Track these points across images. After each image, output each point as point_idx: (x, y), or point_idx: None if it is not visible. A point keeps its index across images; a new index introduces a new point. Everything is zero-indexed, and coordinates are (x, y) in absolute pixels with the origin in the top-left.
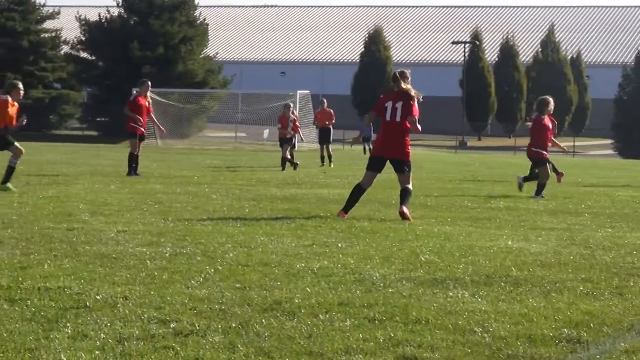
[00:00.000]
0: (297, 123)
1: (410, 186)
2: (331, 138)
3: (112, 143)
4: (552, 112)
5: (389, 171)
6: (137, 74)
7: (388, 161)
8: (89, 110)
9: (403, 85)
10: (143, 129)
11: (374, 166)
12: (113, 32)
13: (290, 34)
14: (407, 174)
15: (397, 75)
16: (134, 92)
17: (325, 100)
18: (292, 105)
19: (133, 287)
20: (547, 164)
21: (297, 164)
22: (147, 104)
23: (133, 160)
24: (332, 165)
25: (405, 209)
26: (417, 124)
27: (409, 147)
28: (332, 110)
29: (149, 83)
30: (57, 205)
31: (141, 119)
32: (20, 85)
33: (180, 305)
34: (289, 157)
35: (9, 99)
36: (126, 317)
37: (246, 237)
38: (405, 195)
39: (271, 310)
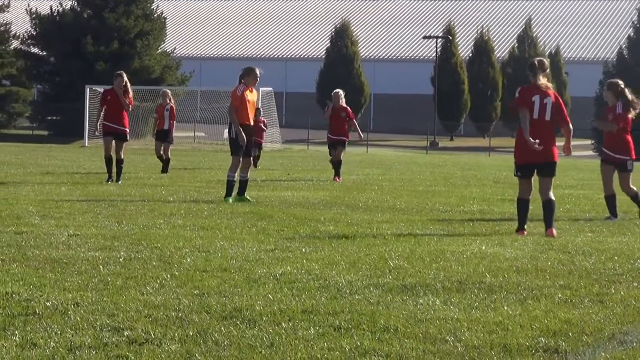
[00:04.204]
0: (175, 113)
1: (552, 195)
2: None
3: (63, 143)
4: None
5: (359, 172)
6: (90, 70)
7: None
8: (40, 108)
9: (541, 79)
10: (114, 126)
11: (526, 174)
12: (65, 26)
13: (252, 29)
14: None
15: (536, 65)
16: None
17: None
18: (170, 92)
19: (85, 294)
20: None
21: (167, 166)
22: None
23: (107, 164)
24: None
25: (554, 231)
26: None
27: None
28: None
29: (123, 76)
30: (5, 208)
31: (111, 115)
32: None
33: (134, 312)
34: (164, 155)
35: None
36: (77, 324)
37: (204, 242)
38: (551, 210)
39: (231, 318)
